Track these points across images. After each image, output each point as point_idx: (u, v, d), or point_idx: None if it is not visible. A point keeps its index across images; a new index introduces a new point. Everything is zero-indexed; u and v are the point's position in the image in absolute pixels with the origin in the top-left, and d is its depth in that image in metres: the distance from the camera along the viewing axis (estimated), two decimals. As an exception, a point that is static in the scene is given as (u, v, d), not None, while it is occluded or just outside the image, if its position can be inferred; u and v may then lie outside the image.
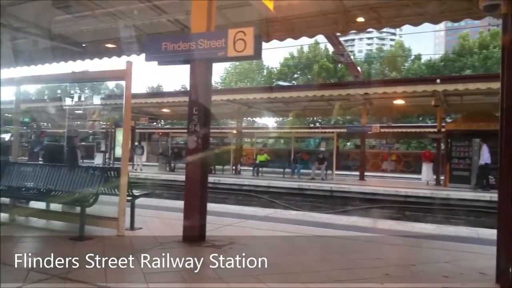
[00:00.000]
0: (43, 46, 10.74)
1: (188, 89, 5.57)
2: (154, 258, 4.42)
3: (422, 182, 16.54)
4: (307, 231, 6.27)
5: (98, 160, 20.97)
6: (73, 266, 4.02)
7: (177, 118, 29.28)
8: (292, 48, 46.45)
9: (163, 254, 4.59)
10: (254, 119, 38.51)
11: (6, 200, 6.51)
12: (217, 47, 5.12)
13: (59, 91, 46.00)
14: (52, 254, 4.60)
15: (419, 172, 18.61)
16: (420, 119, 36.38)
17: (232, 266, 4.18)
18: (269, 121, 42.36)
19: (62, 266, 4.00)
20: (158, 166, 21.63)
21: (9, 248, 4.96)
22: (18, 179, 6.57)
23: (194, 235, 5.22)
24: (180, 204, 7.69)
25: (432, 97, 14.60)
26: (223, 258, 4.49)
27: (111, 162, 19.89)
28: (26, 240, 5.39)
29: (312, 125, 38.11)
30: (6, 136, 16.71)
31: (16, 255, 4.69)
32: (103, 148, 21.68)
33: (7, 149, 10.56)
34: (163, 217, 7.26)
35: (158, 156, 23.02)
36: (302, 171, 18.04)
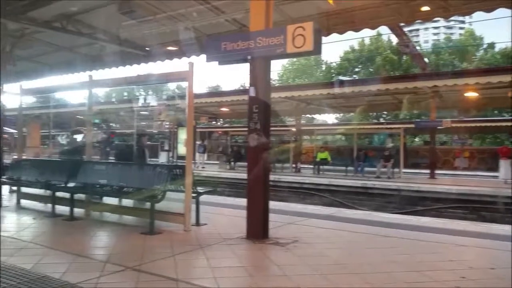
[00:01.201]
0: (111, 51, 11.54)
1: (248, 87, 5.68)
2: (220, 254, 4.60)
3: (500, 181, 15.36)
4: (373, 231, 6.12)
5: (162, 158, 21.99)
6: (145, 259, 4.30)
7: (236, 116, 29.84)
8: (352, 41, 45.33)
9: (229, 250, 4.76)
10: (313, 116, 38.14)
11: (81, 196, 7.09)
12: (276, 44, 5.14)
13: (125, 94, 48.85)
14: (125, 247, 4.97)
15: (496, 169, 17.29)
16: (496, 112, 33.82)
17: (298, 264, 4.23)
18: (329, 118, 41.73)
19: (135, 259, 4.29)
20: (218, 164, 22.22)
21: (86, 241, 5.41)
22: (92, 177, 7.13)
23: (258, 233, 5.32)
24: (242, 201, 7.90)
25: (509, 88, 13.48)
26: (288, 256, 4.56)
27: (174, 160, 20.77)
28: (101, 234, 5.83)
29: (376, 121, 36.91)
30: (79, 137, 18.13)
31: (92, 248, 5.13)
32: (166, 147, 22.66)
33: (81, 148, 11.48)
34: (226, 214, 7.49)
35: (218, 154, 23.64)
36: (366, 169, 17.57)
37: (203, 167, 20.57)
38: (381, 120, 37.47)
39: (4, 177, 8.53)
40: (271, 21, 5.52)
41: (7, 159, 9.66)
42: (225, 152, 23.11)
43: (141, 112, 19.67)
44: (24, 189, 8.19)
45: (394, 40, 34.01)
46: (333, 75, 43.16)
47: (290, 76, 49.01)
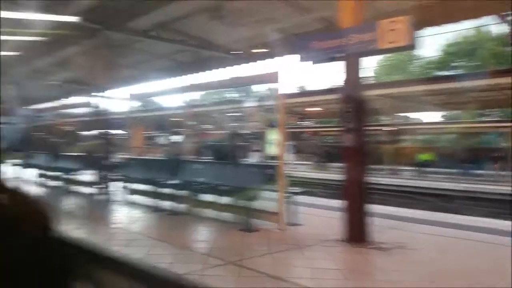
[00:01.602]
0: (203, 56, 12.17)
1: (340, 85, 5.58)
2: (317, 255, 4.58)
3: None
4: (484, 239, 5.57)
5: (253, 158, 22.59)
6: (244, 255, 4.46)
7: (326, 116, 29.43)
8: (451, 34, 41.82)
9: (326, 252, 4.71)
10: (409, 114, 35.97)
11: (183, 193, 7.59)
12: (368, 40, 5.00)
13: (216, 96, 51.20)
14: (225, 243, 5.20)
15: None
16: None
17: (403, 270, 4.02)
18: (429, 116, 39.07)
19: (235, 254, 4.46)
20: (309, 165, 22.16)
21: (188, 235, 5.78)
22: (191, 175, 7.61)
23: (356, 236, 5.18)
24: (337, 202, 7.75)
25: None
26: (392, 261, 4.36)
27: (265, 160, 21.17)
28: (201, 229, 6.19)
29: (485, 119, 33.58)
30: (178, 138, 19.45)
31: (194, 241, 5.46)
32: (256, 147, 23.22)
33: (180, 148, 12.35)
34: (320, 215, 7.41)
35: (308, 155, 23.57)
36: (474, 171, 16.11)
37: (293, 167, 20.67)
38: (488, 118, 33.97)
39: (115, 174, 9.51)
40: (362, 16, 5.36)
41: (116, 159, 10.74)
42: (315, 152, 22.95)
43: (233, 114, 20.44)
44: (132, 185, 9.02)
45: (500, 30, 30.65)
46: (429, 70, 40.29)
47: (382, 73, 46.95)
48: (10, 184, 0.42)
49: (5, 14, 7.81)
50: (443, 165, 17.65)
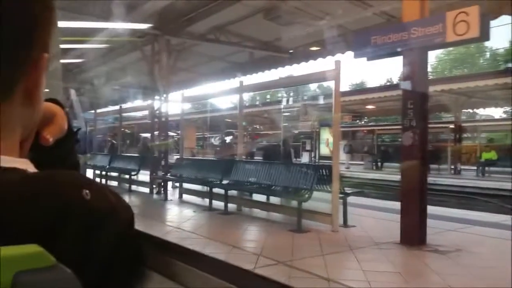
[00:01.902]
0: (257, 56, 12.30)
1: (400, 81, 5.42)
2: (372, 258, 4.47)
3: None
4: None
5: (304, 158, 22.46)
6: (295, 256, 4.46)
7: (382, 114, 28.56)
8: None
9: (382, 255, 4.59)
10: (475, 110, 33.90)
11: (233, 192, 7.74)
12: (434, 34, 4.84)
13: (268, 96, 51.42)
14: (276, 243, 5.23)
15: None
16: None
17: (463, 274, 3.83)
18: (496, 112, 36.59)
19: (286, 255, 4.48)
20: (363, 165, 21.62)
21: (240, 234, 5.88)
22: (243, 175, 7.74)
23: (413, 238, 4.99)
24: (392, 204, 7.52)
25: None
26: (451, 265, 4.16)
27: (317, 160, 20.98)
28: (252, 228, 6.27)
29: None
30: (228, 139, 19.85)
31: (246, 240, 5.54)
32: (308, 147, 23.06)
33: (231, 148, 12.57)
34: (375, 217, 7.22)
35: (363, 154, 22.99)
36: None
37: (348, 167, 20.28)
38: None
39: (169, 174, 9.90)
40: (427, 9, 5.17)
41: (170, 159, 11.18)
42: (371, 152, 22.33)
43: (285, 114, 20.44)
44: (185, 185, 9.32)
45: None
46: (500, 63, 37.66)
47: (446, 67, 44.63)
48: (92, 179, 0.46)
49: (70, 23, 8.40)
50: (508, 165, 16.44)
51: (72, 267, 0.32)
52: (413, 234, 5.00)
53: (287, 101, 24.83)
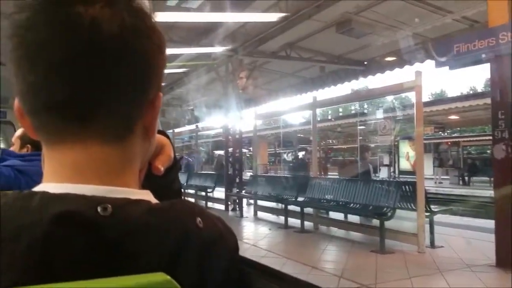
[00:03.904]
0: (330, 70, 12.25)
1: (484, 90, 5.10)
2: (465, 281, 4.21)
3: None
4: None
5: (382, 173, 21.62)
6: (380, 279, 4.33)
7: (467, 125, 26.72)
8: None
9: (476, 278, 4.30)
10: None
11: (310, 210, 7.70)
12: None
13: (340, 109, 50.57)
14: (357, 264, 5.12)
15: None
16: None
17: None
18: None
19: (369, 277, 4.36)
20: (449, 179, 20.32)
21: (318, 254, 5.83)
22: (318, 192, 7.69)
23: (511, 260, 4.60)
24: (484, 222, 7.00)
25: None
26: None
27: (396, 175, 20.11)
28: (331, 248, 6.18)
29: None
30: (300, 154, 19.80)
31: (325, 261, 5.48)
32: (386, 162, 22.18)
33: (306, 165, 12.56)
34: (464, 236, 6.75)
35: (448, 168, 21.61)
36: None
37: (440, 183, 19.19)
38: None
39: (243, 191, 10.13)
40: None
41: (245, 176, 11.47)
42: (456, 165, 20.92)
43: (361, 127, 19.98)
44: (259, 202, 9.47)
45: None
46: None
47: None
48: (202, 207, 0.51)
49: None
50: None
51: None
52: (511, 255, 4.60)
53: (363, 113, 24.26)
